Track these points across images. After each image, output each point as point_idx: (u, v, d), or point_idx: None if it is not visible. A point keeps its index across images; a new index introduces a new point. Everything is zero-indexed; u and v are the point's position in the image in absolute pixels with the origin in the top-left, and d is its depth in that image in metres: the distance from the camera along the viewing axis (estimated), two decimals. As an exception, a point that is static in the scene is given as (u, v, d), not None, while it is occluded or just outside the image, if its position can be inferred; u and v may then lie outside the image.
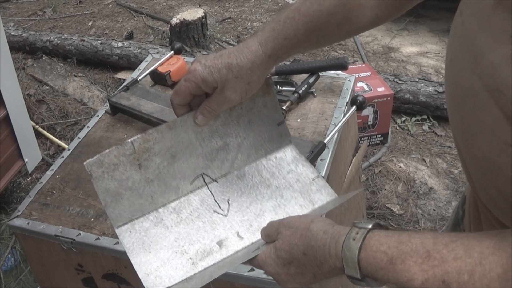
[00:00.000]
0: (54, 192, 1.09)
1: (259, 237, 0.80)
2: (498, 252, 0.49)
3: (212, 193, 0.83)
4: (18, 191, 2.39)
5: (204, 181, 0.84)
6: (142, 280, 0.74)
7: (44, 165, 2.53)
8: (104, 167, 0.76)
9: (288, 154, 0.88)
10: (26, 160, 2.20)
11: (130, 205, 0.78)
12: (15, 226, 1.03)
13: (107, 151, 0.75)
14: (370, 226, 0.61)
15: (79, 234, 0.98)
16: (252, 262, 0.73)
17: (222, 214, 0.82)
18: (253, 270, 0.86)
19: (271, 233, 0.73)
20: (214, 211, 0.82)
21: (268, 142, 0.87)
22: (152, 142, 0.78)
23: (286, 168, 0.87)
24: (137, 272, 0.75)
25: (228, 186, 0.84)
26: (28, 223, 1.02)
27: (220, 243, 0.80)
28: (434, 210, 2.20)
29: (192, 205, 0.82)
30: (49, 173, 1.14)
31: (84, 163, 0.74)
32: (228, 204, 0.83)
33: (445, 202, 2.24)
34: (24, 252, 1.22)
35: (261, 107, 0.85)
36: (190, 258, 0.78)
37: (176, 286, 0.75)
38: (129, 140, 0.76)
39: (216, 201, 0.83)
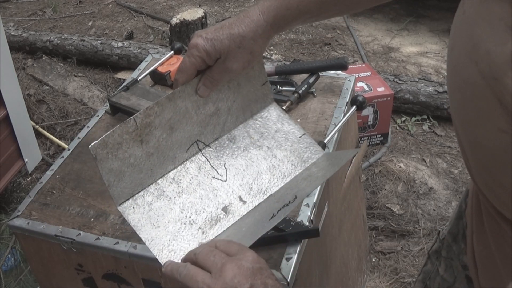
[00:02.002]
0: (54, 192, 1.09)
1: (261, 199, 0.82)
2: None
3: (207, 159, 0.84)
4: (18, 191, 2.39)
5: (198, 147, 0.84)
6: (157, 257, 0.74)
7: (44, 165, 2.53)
8: (109, 147, 0.75)
9: (272, 112, 0.90)
10: (26, 160, 2.20)
11: (132, 181, 0.78)
12: (15, 226, 1.03)
13: (110, 131, 0.75)
14: None
15: (79, 234, 0.98)
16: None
17: (221, 180, 0.83)
18: None
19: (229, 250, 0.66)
20: (213, 177, 0.83)
21: (254, 102, 0.88)
22: (153, 116, 0.79)
23: (273, 128, 0.88)
24: (150, 249, 0.75)
25: (221, 151, 0.85)
26: (28, 223, 1.02)
27: (225, 210, 0.80)
28: (434, 210, 2.20)
29: (190, 173, 0.83)
30: (49, 173, 1.14)
31: (89, 146, 0.74)
32: (225, 168, 0.84)
33: (445, 202, 2.24)
34: (24, 252, 1.22)
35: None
36: (200, 228, 0.78)
37: None
38: (131, 117, 0.76)
39: (212, 166, 0.84)
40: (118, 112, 1.27)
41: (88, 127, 1.26)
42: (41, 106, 2.97)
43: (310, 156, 0.86)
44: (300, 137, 0.88)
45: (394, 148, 2.56)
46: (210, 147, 0.85)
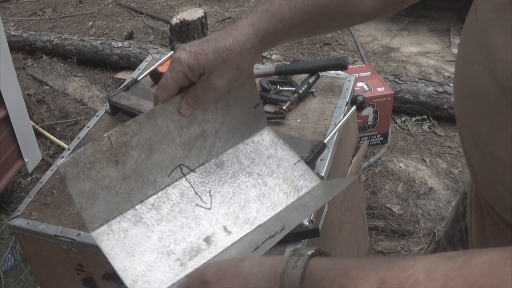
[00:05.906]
0: (54, 192, 1.09)
1: (248, 230, 0.75)
2: (464, 273, 0.42)
3: (191, 185, 0.79)
4: (18, 191, 2.39)
5: (182, 172, 0.79)
6: None
7: (44, 165, 2.53)
8: (80, 166, 0.70)
9: (265, 137, 0.84)
10: (26, 160, 2.20)
11: (106, 204, 0.72)
12: (15, 226, 1.03)
13: (82, 148, 0.69)
14: (310, 253, 0.52)
15: (79, 234, 0.98)
16: None
17: (205, 208, 0.77)
18: None
19: (195, 286, 0.61)
20: (196, 205, 0.77)
21: (245, 126, 0.83)
22: (130, 135, 0.72)
23: (265, 153, 0.83)
24: (123, 279, 0.70)
25: (207, 176, 0.80)
26: (28, 223, 1.02)
27: (207, 240, 0.75)
28: (434, 210, 2.20)
29: (171, 199, 0.77)
30: (49, 173, 1.14)
31: (58, 164, 0.69)
32: (211, 196, 0.78)
33: (445, 202, 2.24)
34: (24, 252, 1.22)
35: (239, 89, 0.80)
36: (178, 259, 0.72)
37: None
38: (105, 135, 0.71)
39: (196, 193, 0.78)
40: (118, 112, 1.27)
41: (88, 127, 1.26)
42: (41, 106, 2.97)
43: (305, 184, 0.80)
44: (295, 164, 0.82)
45: (394, 148, 2.56)
46: (195, 172, 0.79)
